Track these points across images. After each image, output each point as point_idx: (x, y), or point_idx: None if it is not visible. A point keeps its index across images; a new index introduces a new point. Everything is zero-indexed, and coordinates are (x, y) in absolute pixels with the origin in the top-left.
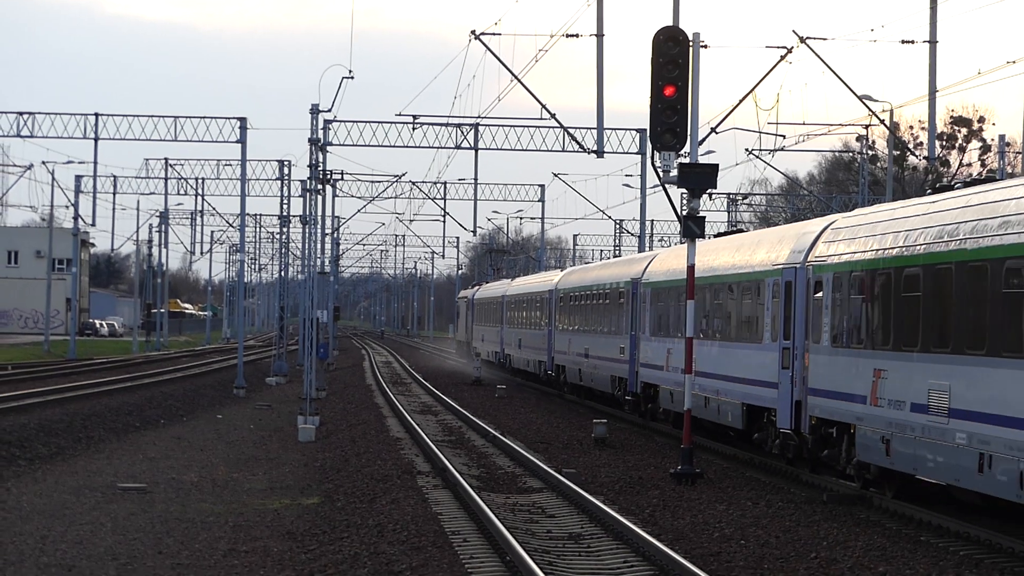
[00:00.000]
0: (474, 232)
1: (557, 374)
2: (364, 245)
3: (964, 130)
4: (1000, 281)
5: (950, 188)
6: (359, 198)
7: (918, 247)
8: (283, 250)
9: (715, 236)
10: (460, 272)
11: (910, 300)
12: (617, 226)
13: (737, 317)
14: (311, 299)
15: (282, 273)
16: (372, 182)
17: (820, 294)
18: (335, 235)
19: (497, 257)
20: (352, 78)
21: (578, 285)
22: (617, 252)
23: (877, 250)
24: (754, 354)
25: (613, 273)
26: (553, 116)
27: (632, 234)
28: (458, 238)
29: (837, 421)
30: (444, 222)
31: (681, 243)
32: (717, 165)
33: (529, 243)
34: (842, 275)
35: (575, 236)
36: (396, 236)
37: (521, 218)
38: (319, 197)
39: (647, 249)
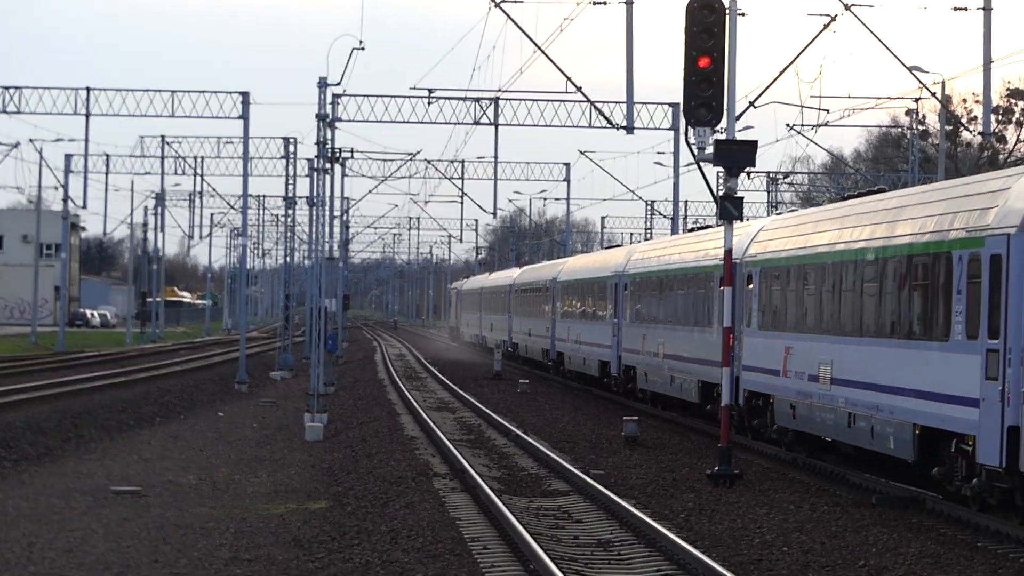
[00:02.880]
0: (494, 214)
1: (559, 361)
2: (376, 229)
3: (1021, 103)
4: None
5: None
6: (370, 178)
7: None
8: (288, 234)
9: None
10: (479, 257)
11: (812, 294)
12: (649, 207)
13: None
14: (319, 287)
15: (287, 259)
16: (384, 161)
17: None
18: (344, 217)
19: (519, 241)
20: (363, 49)
21: (575, 278)
22: (648, 235)
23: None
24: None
25: (600, 264)
26: (579, 89)
27: (665, 216)
28: (477, 220)
29: (761, 393)
30: (462, 203)
31: (692, 230)
32: (756, 142)
33: (553, 226)
34: (768, 270)
35: (603, 219)
36: (410, 219)
37: (545, 199)
38: (327, 177)
39: (680, 231)
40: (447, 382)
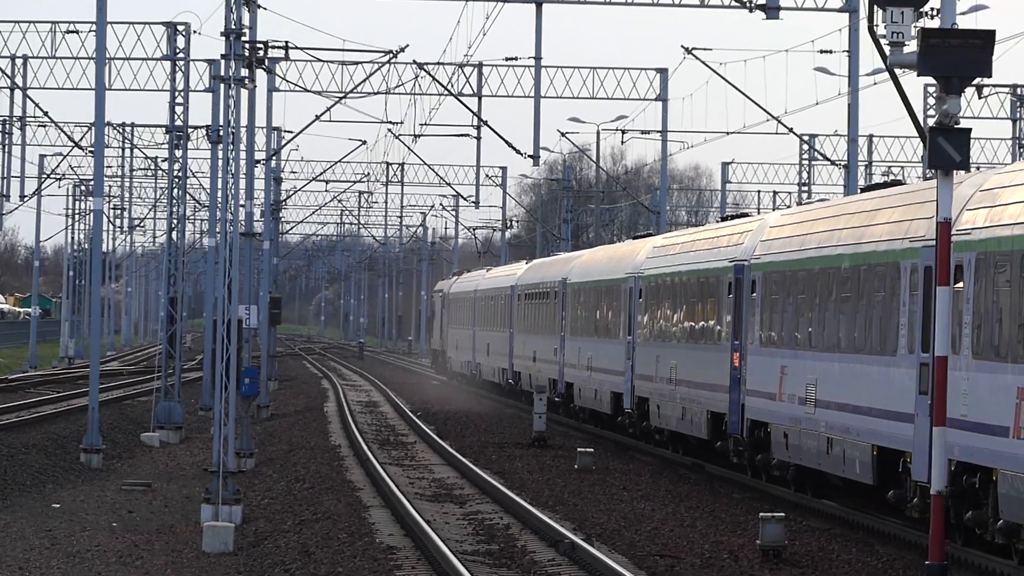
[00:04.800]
0: (534, 159)
1: (568, 396)
2: (329, 184)
3: None
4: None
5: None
6: (319, 95)
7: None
8: (176, 192)
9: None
10: (508, 234)
11: (803, 305)
12: (806, 145)
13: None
14: (226, 284)
15: (173, 236)
16: (343, 65)
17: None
18: (274, 164)
19: (577, 206)
20: None
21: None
22: (805, 196)
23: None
24: None
25: (615, 260)
26: None
27: (830, 160)
28: (503, 170)
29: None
30: (478, 141)
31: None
32: (993, 33)
33: (639, 179)
34: (769, 275)
35: (725, 165)
36: (388, 167)
37: (624, 131)
38: (243, 93)
39: (857, 191)
40: (450, 451)
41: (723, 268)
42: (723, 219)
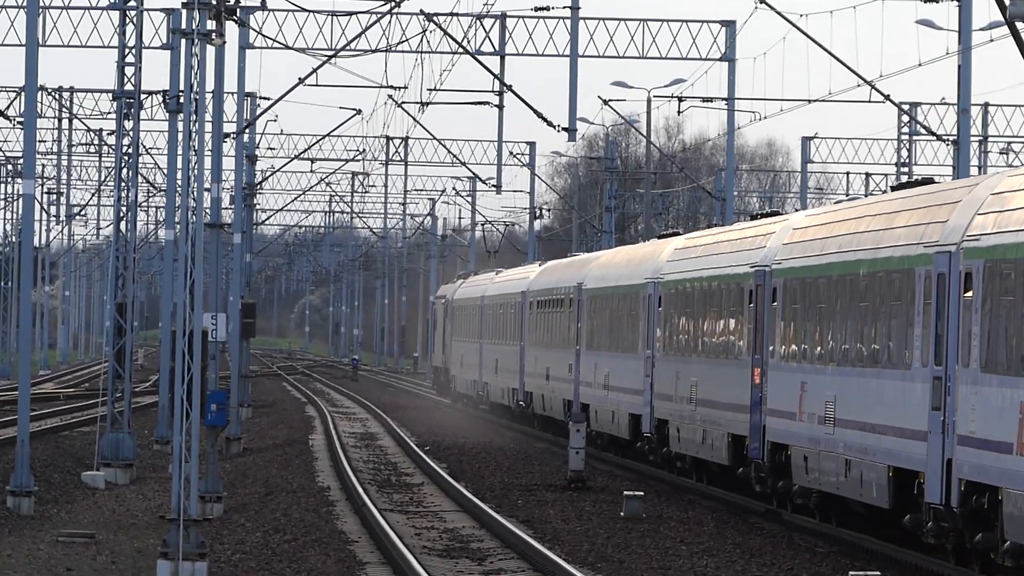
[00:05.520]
0: (570, 133)
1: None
2: (314, 164)
3: None
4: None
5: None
6: (303, 52)
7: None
8: (126, 174)
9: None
10: (537, 225)
11: (822, 314)
12: (906, 116)
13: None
14: (188, 288)
15: (121, 227)
16: (333, 16)
17: None
18: (247, 138)
19: (621, 190)
20: None
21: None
22: (904, 175)
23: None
24: None
25: (634, 263)
26: None
27: (935, 135)
28: (532, 146)
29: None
30: (500, 111)
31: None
32: None
33: (699, 156)
34: (789, 282)
35: (806, 140)
36: (388, 141)
37: (681, 99)
38: (209, 51)
39: (968, 173)
40: (466, 494)
41: (744, 274)
42: (752, 217)
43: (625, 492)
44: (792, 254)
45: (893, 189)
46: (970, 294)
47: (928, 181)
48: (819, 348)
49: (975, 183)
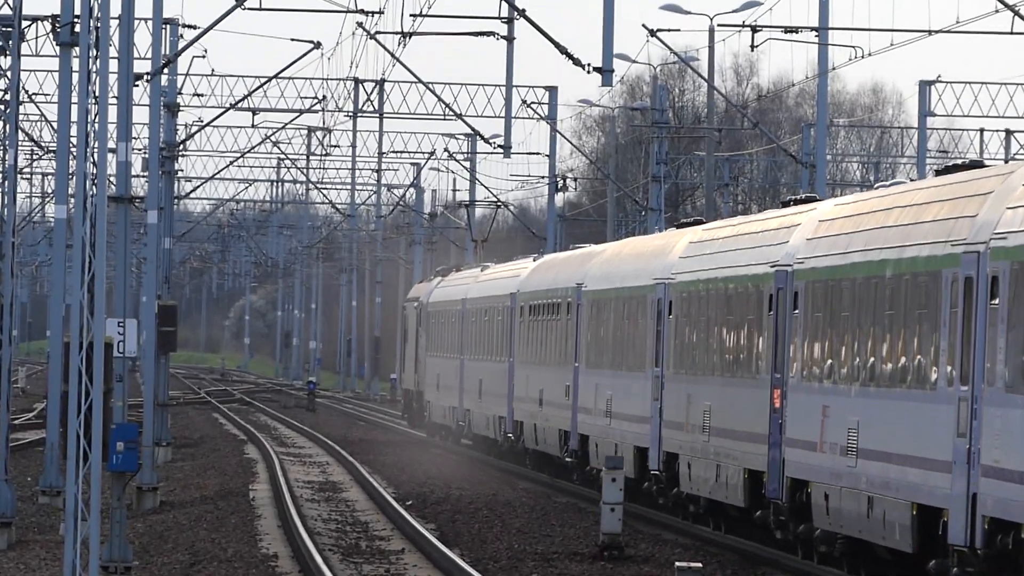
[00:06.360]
0: (604, 75)
1: (583, 456)
2: (257, 117)
3: None
4: None
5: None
6: None
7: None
8: (2, 129)
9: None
10: (561, 196)
11: (846, 324)
12: None
13: None
14: (86, 285)
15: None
16: None
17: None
18: (167, 81)
19: (674, 154)
20: None
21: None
22: None
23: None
24: None
25: (641, 261)
26: None
27: None
28: (552, 93)
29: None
30: (510, 45)
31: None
32: None
33: (780, 107)
34: (812, 285)
35: (925, 86)
36: (359, 87)
37: (756, 28)
38: None
39: None
40: (463, 566)
41: (763, 274)
42: (783, 204)
43: (677, 564)
44: (816, 251)
45: (937, 173)
46: (996, 301)
47: (978, 165)
48: (843, 366)
49: (1010, 170)
